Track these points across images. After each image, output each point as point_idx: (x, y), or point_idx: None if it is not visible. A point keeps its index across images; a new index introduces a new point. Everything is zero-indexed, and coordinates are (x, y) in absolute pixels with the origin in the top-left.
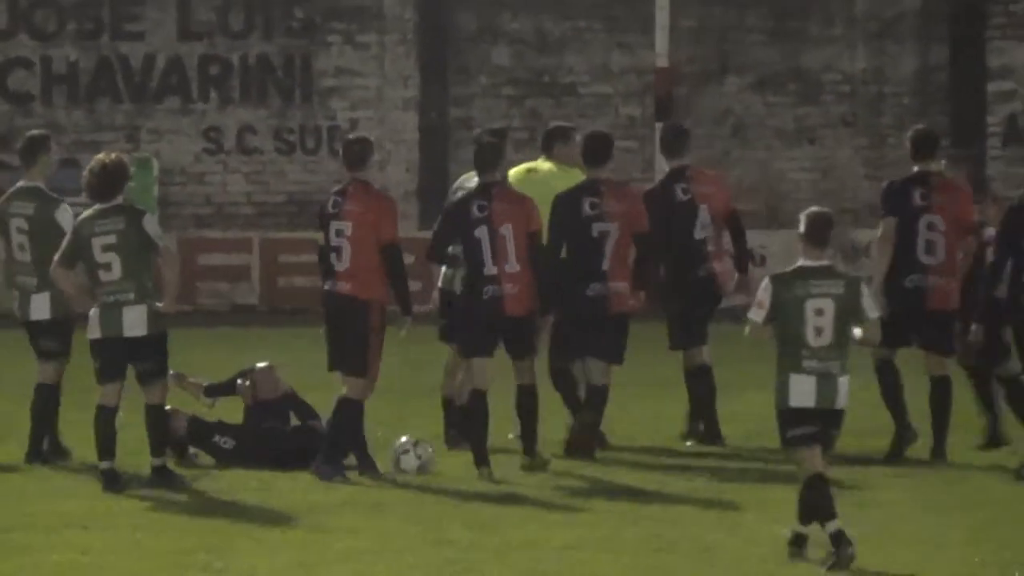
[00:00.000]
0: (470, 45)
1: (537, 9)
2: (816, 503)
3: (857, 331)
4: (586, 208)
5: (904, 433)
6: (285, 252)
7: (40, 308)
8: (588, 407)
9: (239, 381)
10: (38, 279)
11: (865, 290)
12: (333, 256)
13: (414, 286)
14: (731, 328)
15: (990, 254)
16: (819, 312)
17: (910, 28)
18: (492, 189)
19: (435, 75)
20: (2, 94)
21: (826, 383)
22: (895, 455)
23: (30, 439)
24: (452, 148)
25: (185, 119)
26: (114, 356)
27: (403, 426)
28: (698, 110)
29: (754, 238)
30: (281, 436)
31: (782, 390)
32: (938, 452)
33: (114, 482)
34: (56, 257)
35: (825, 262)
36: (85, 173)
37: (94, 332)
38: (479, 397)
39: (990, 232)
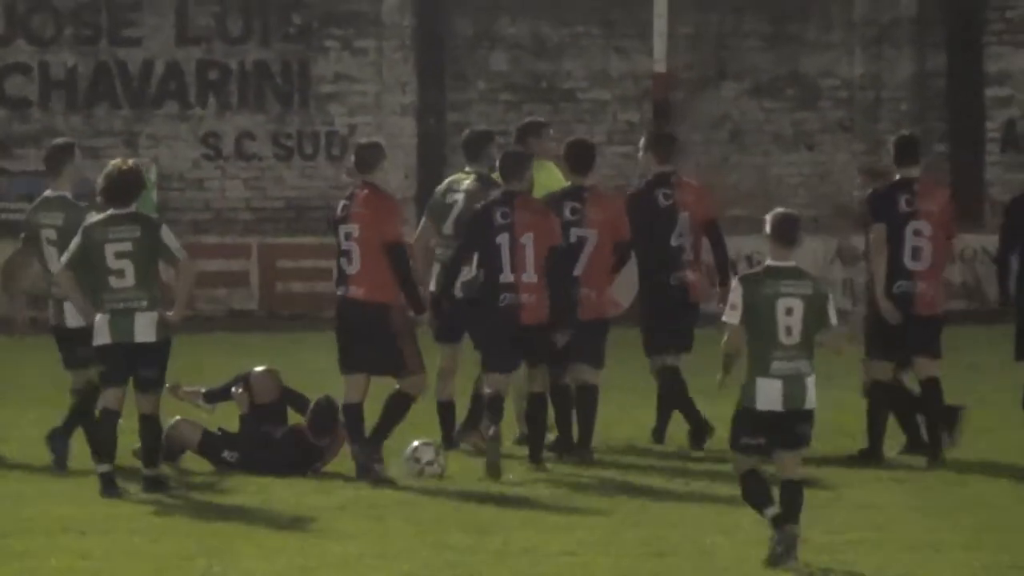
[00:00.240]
0: (468, 51)
1: (535, 14)
2: (753, 491)
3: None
4: (567, 213)
5: (876, 450)
6: (283, 257)
7: (76, 316)
8: (577, 409)
9: (234, 389)
10: None
11: (831, 298)
12: (343, 260)
13: None
14: (716, 332)
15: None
16: (789, 311)
17: (908, 33)
18: (515, 199)
19: (433, 81)
20: (0, 100)
21: (794, 384)
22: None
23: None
24: (450, 153)
25: (183, 125)
26: (122, 362)
27: (398, 431)
28: (696, 115)
29: (751, 243)
30: (276, 443)
31: (748, 391)
32: (935, 454)
33: (112, 486)
34: (63, 260)
35: (792, 263)
36: (101, 178)
37: (102, 338)
38: (498, 400)
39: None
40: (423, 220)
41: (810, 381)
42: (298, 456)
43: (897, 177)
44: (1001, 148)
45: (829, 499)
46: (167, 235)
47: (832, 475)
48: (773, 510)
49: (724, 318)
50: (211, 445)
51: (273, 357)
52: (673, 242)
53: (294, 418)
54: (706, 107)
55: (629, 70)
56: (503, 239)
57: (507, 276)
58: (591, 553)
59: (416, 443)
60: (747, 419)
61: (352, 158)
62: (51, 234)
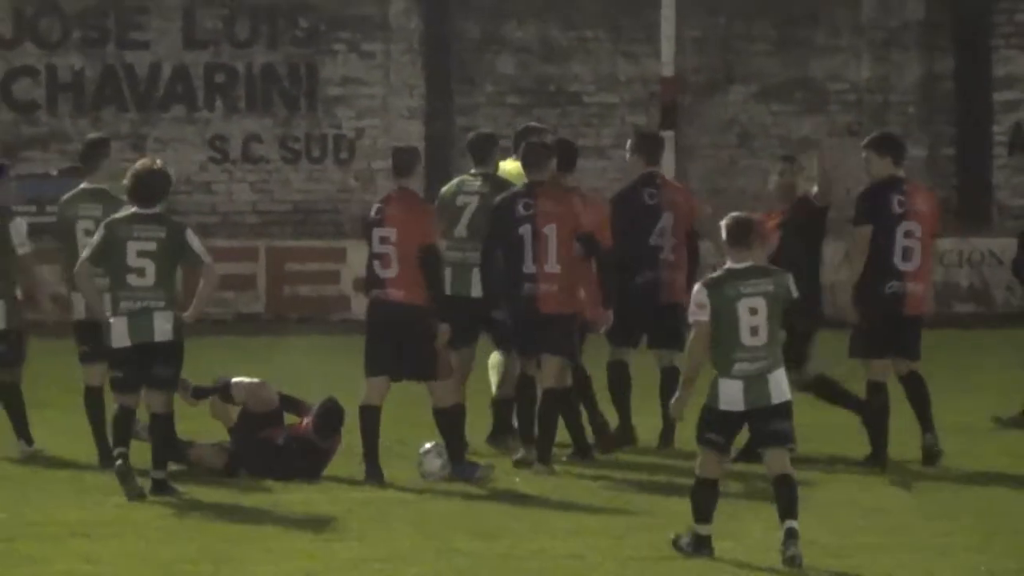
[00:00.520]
0: (475, 54)
1: (542, 18)
2: (699, 498)
3: None
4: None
5: (880, 456)
6: (291, 261)
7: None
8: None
9: (211, 399)
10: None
11: (791, 278)
12: (377, 264)
13: None
14: None
15: None
16: (753, 311)
17: (915, 37)
18: (537, 189)
19: (440, 84)
20: (7, 103)
21: (756, 384)
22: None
23: (96, 444)
24: (457, 157)
25: (190, 128)
26: (140, 364)
27: (406, 433)
28: (704, 119)
29: None
30: (282, 450)
31: (712, 390)
32: (929, 444)
33: (128, 473)
34: (85, 253)
35: (750, 263)
36: (128, 176)
37: (121, 340)
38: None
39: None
40: None
41: (775, 376)
42: (307, 462)
43: (887, 175)
44: (1008, 151)
45: (837, 502)
46: (192, 238)
47: (839, 478)
48: (705, 529)
49: (692, 318)
50: (235, 467)
51: (280, 361)
52: (651, 241)
53: (289, 419)
54: (714, 111)
55: (637, 74)
56: (526, 230)
57: (529, 267)
58: (598, 558)
59: (428, 444)
60: (710, 417)
61: (391, 162)
62: (89, 225)
